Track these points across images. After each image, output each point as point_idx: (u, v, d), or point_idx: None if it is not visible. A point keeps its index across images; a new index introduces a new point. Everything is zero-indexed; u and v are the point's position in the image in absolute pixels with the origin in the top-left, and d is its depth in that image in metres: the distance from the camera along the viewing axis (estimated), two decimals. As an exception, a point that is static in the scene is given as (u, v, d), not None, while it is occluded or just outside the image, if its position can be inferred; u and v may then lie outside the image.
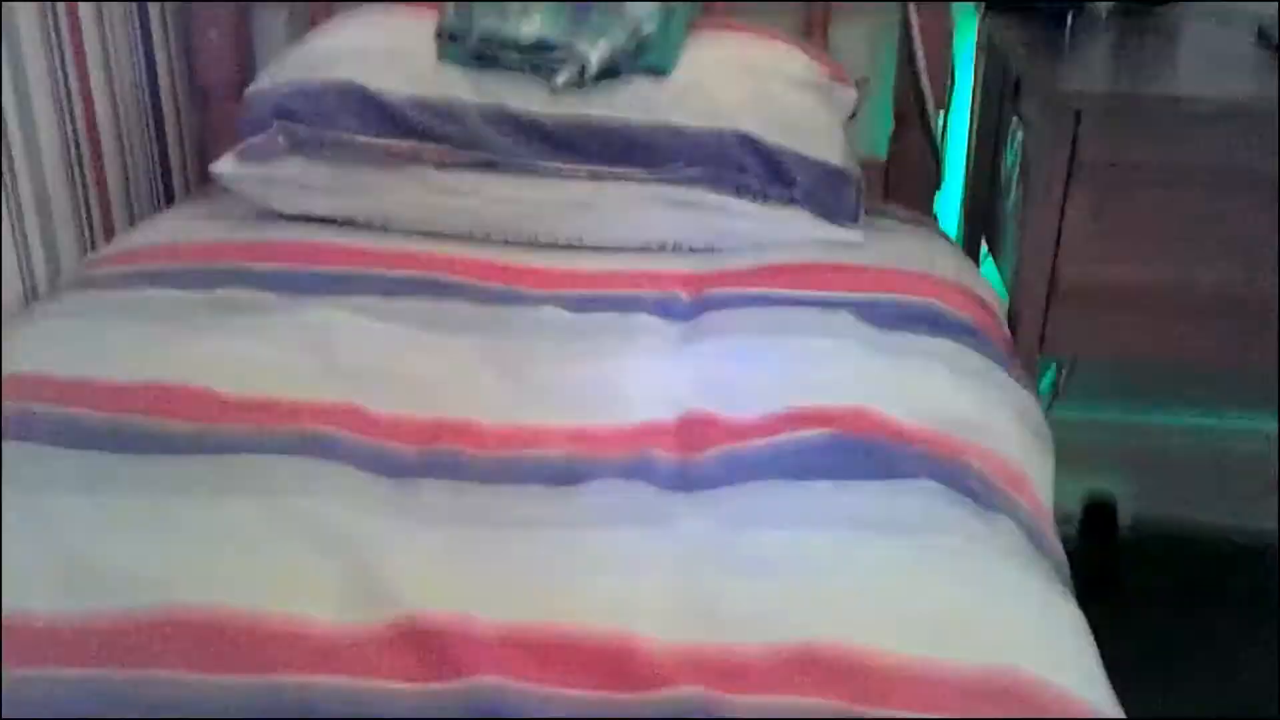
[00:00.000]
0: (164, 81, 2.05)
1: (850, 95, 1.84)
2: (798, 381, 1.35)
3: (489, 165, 1.71)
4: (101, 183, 1.89)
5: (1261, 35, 1.78)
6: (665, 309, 1.55)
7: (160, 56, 2.03)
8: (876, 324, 1.49)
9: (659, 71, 1.74)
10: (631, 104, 1.71)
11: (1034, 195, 1.64)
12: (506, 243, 1.73)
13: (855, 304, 1.53)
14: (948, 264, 1.72)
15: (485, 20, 1.73)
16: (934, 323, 1.51)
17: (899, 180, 2.09)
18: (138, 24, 1.97)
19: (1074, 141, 1.57)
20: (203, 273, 1.58)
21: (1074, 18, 1.85)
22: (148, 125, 2.01)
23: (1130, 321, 1.68)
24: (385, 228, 1.74)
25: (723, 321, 1.50)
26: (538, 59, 1.72)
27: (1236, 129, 1.55)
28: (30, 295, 1.68)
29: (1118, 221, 1.62)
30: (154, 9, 2.00)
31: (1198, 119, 1.56)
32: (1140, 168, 1.59)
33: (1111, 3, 1.89)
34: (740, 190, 1.71)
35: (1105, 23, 1.87)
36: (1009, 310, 1.73)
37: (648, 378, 1.38)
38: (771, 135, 1.70)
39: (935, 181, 2.09)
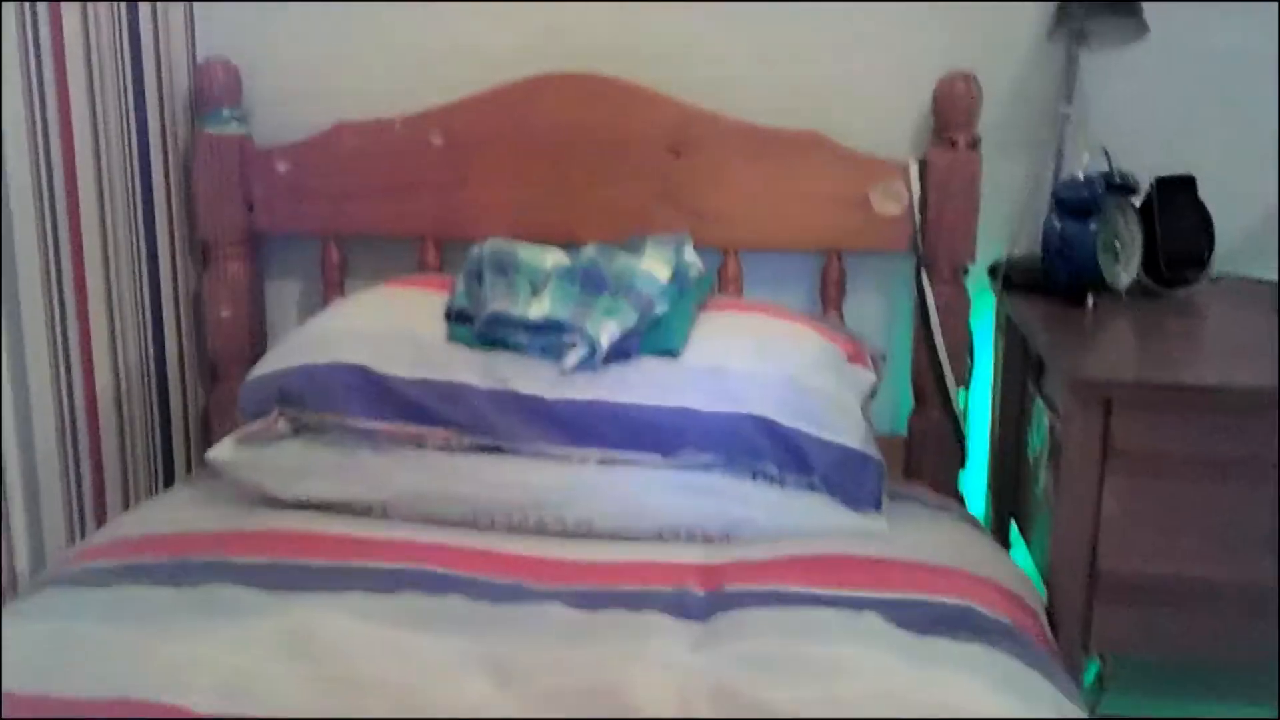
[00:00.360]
0: (171, 355, 2.02)
1: (869, 376, 1.79)
2: (821, 700, 1.24)
3: (495, 449, 1.65)
4: (97, 464, 1.83)
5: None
6: (679, 606, 1.45)
7: (169, 330, 2.01)
8: (907, 628, 1.38)
9: (671, 353, 1.70)
10: (643, 386, 1.66)
11: (1067, 485, 1.56)
12: (511, 529, 1.65)
13: (883, 604, 1.43)
14: (980, 556, 1.62)
15: (494, 301, 1.71)
16: (969, 626, 1.40)
17: (921, 458, 2.02)
18: (147, 297, 1.96)
19: (1106, 431, 1.50)
20: (188, 567, 1.50)
21: (1093, 298, 1.81)
22: (151, 402, 1.98)
23: (1174, 617, 1.56)
24: (385, 513, 1.66)
25: (740, 625, 1.39)
26: (547, 340, 1.68)
27: (1269, 418, 1.48)
28: (10, 589, 1.59)
29: (1154, 512, 1.53)
30: (165, 282, 2.00)
31: (1230, 408, 1.49)
32: (1174, 457, 1.52)
33: (1130, 282, 1.86)
34: (756, 476, 1.64)
35: (1125, 302, 1.84)
36: (1047, 604, 1.62)
37: (659, 692, 1.27)
38: (788, 418, 1.64)
39: (959, 461, 2.02)
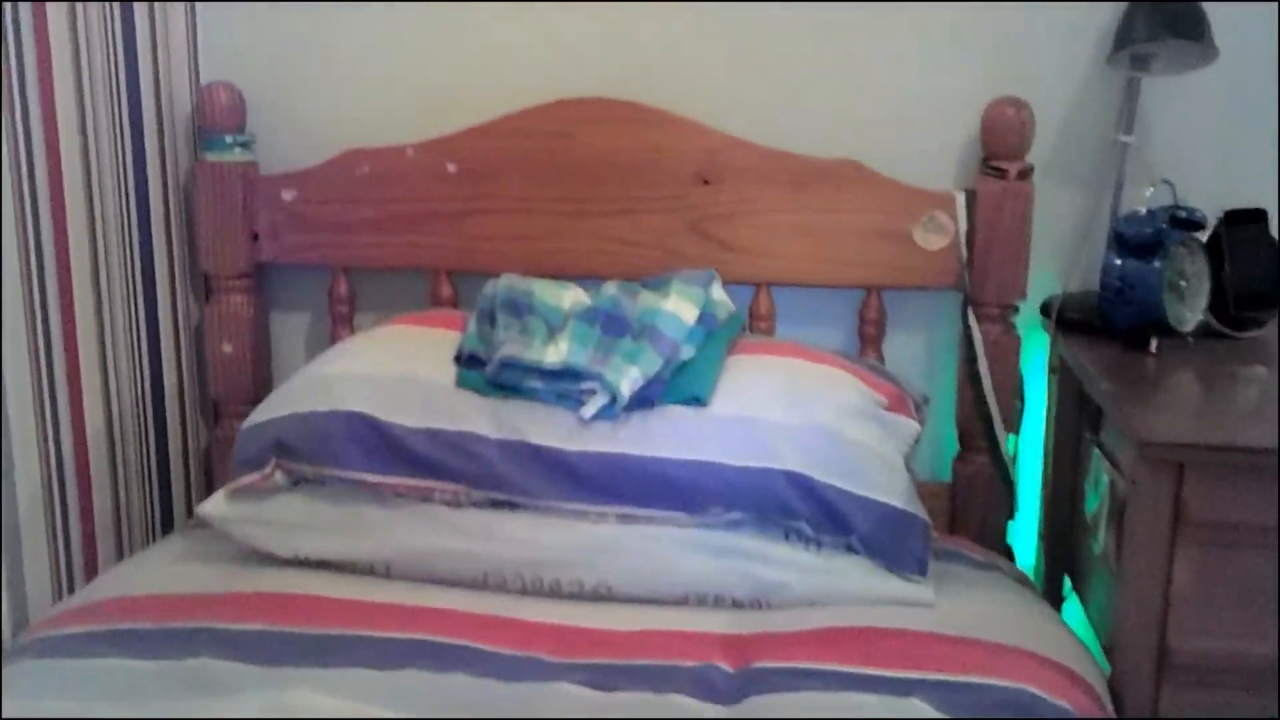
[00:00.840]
0: (170, 393, 1.91)
1: (912, 426, 1.66)
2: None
3: (507, 505, 1.53)
4: (87, 513, 1.72)
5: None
6: (705, 687, 1.32)
7: (168, 366, 1.90)
8: (957, 715, 1.25)
9: (697, 401, 1.57)
10: (667, 438, 1.53)
11: (1134, 555, 1.42)
12: (524, 592, 1.53)
13: (929, 687, 1.30)
14: (1035, 627, 1.49)
15: (508, 345, 1.59)
16: (1026, 713, 1.27)
17: (966, 507, 1.89)
18: (144, 333, 1.85)
19: (1177, 497, 1.37)
20: (173, 635, 1.38)
21: (1159, 345, 1.68)
22: (147, 444, 1.87)
23: (1251, 701, 1.42)
24: (389, 573, 1.55)
25: (770, 711, 1.26)
26: (564, 387, 1.56)
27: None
28: (-16, 653, 1.48)
29: (1230, 587, 1.39)
30: (164, 316, 1.89)
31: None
32: (1252, 527, 1.38)
33: (1196, 324, 1.72)
34: (789, 536, 1.51)
35: (1190, 346, 1.70)
36: (1110, 679, 1.48)
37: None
38: (824, 474, 1.51)
39: (1008, 511, 1.88)
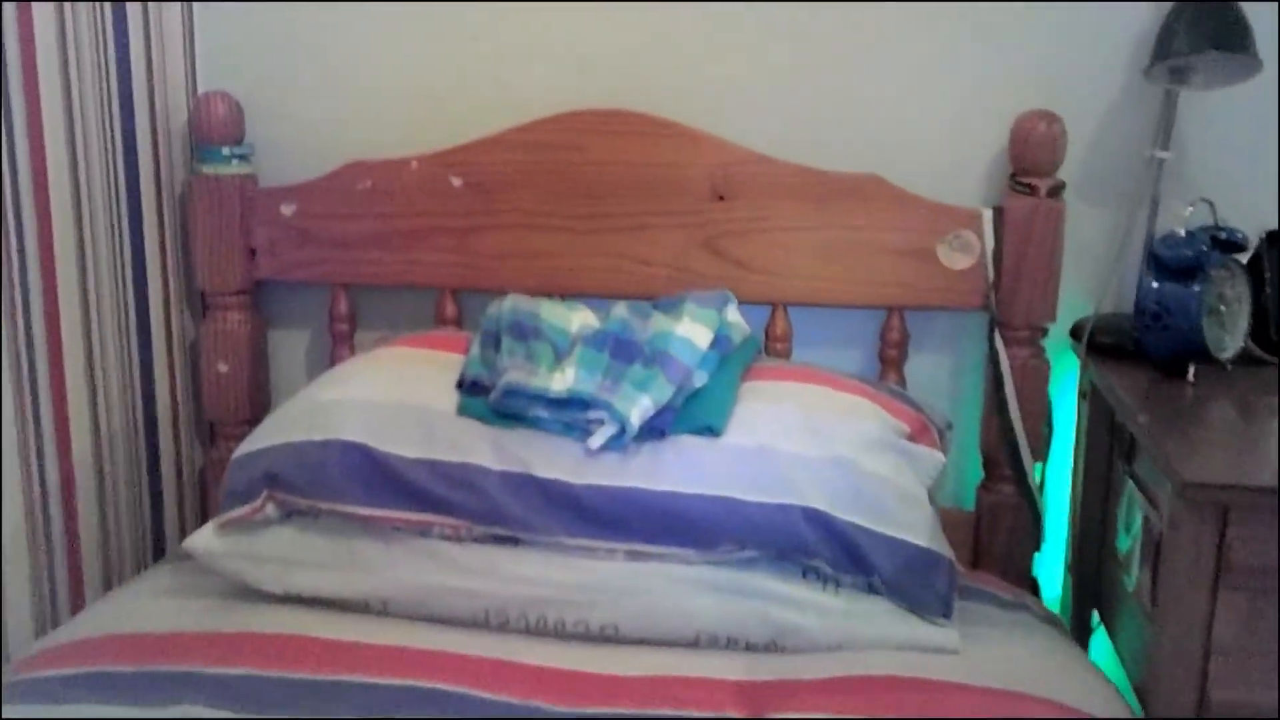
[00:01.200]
0: (163, 415, 1.85)
1: (936, 457, 1.58)
2: None
3: (510, 540, 1.46)
4: (73, 542, 1.65)
5: None
6: (716, 740, 1.25)
7: (161, 386, 1.84)
8: (984, 778, 1.17)
9: (711, 431, 1.49)
10: (678, 471, 1.45)
11: (1173, 602, 1.34)
12: (527, 632, 1.45)
13: (953, 744, 1.22)
14: (1065, 673, 1.40)
15: (512, 371, 1.51)
16: (1058, 776, 1.19)
17: (991, 537, 1.81)
18: (135, 351, 1.78)
19: (1220, 542, 1.28)
20: (155, 678, 1.31)
21: (1197, 372, 1.59)
22: (139, 467, 1.80)
23: (1297, 754, 1.34)
24: (385, 610, 1.47)
25: (787, 772, 1.19)
26: (571, 416, 1.48)
27: None
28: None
29: (1274, 635, 1.31)
30: (156, 334, 1.82)
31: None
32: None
33: (1236, 351, 1.64)
34: (807, 576, 1.44)
35: (1229, 374, 1.62)
36: (1144, 728, 1.40)
37: None
38: (844, 510, 1.43)
39: (1034, 542, 1.80)
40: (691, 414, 1.50)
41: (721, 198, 1.78)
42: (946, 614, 1.44)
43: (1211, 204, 1.67)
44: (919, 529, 1.46)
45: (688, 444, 1.48)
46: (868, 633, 1.42)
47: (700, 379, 1.53)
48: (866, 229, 1.76)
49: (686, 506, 1.44)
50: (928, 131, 1.81)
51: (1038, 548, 1.81)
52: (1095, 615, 1.79)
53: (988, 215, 1.74)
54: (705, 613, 1.43)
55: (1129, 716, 1.38)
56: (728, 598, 1.43)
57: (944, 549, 1.47)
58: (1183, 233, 1.62)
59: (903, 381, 1.81)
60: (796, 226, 1.78)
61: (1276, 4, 1.72)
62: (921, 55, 1.79)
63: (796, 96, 1.82)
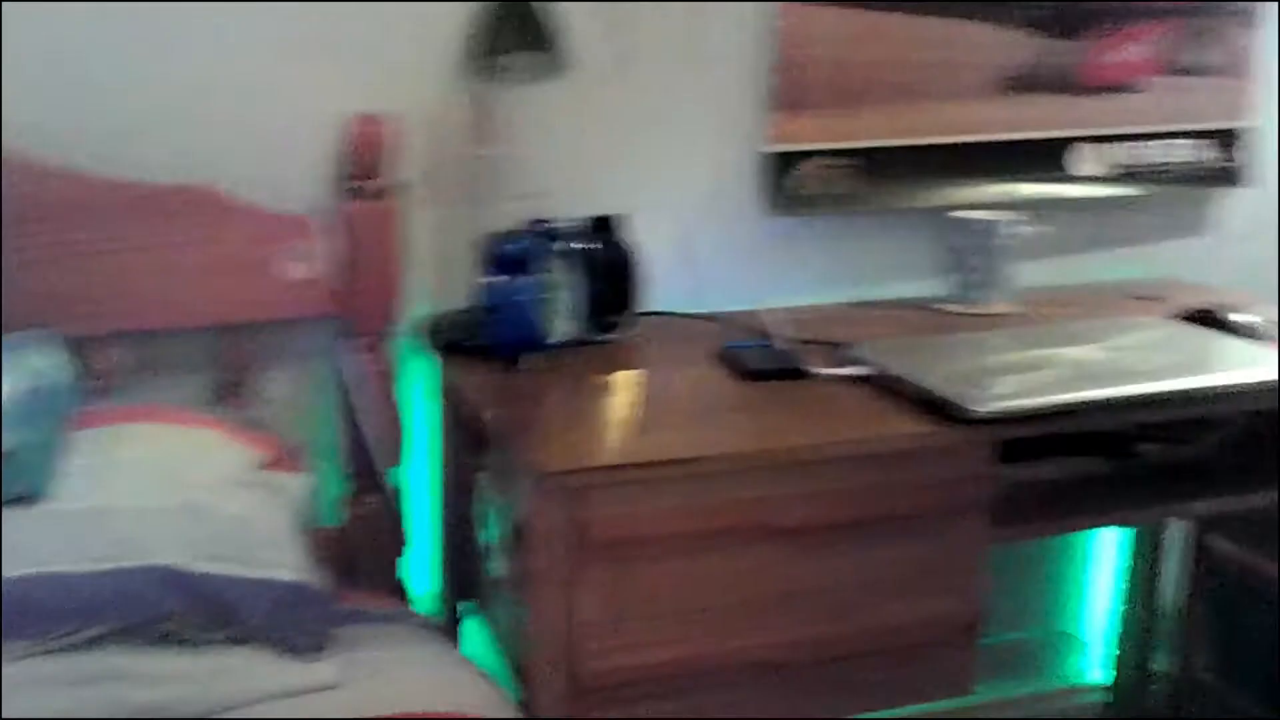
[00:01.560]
0: None
1: (298, 482, 1.50)
2: None
3: None
4: None
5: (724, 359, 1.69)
6: None
7: None
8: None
9: (30, 497, 1.29)
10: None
11: (537, 582, 1.38)
12: None
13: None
14: (443, 683, 1.39)
15: None
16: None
17: (362, 551, 1.77)
18: None
19: (577, 522, 1.34)
20: None
21: (529, 360, 1.65)
22: None
23: (668, 708, 1.44)
24: None
25: None
26: None
27: (748, 481, 1.40)
28: None
29: (637, 601, 1.40)
30: None
31: (703, 475, 1.38)
32: (653, 539, 1.39)
33: (570, 335, 1.72)
34: (165, 642, 1.29)
35: (563, 358, 1.69)
36: (526, 706, 1.43)
37: None
38: (202, 561, 1.31)
39: (397, 547, 1.79)
40: (5, 481, 1.29)
41: (23, 222, 1.55)
42: (320, 648, 1.37)
43: (544, 196, 1.73)
44: (286, 565, 1.37)
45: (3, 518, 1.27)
46: (240, 690, 1.31)
47: (10, 438, 1.32)
48: (199, 244, 1.62)
49: (7, 593, 1.23)
50: (259, 139, 1.70)
51: (400, 552, 1.80)
52: (468, 607, 1.82)
53: (322, 221, 1.67)
54: (57, 711, 1.24)
55: (503, 709, 1.40)
56: (80, 689, 1.24)
57: (315, 579, 1.40)
58: (514, 226, 1.66)
59: (256, 405, 1.70)
60: (117, 247, 1.59)
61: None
62: (246, 62, 1.68)
63: (108, 104, 1.63)
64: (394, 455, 1.75)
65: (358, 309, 1.69)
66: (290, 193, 1.70)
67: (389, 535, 1.77)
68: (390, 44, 1.74)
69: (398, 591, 1.78)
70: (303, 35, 1.70)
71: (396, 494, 1.77)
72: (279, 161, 1.71)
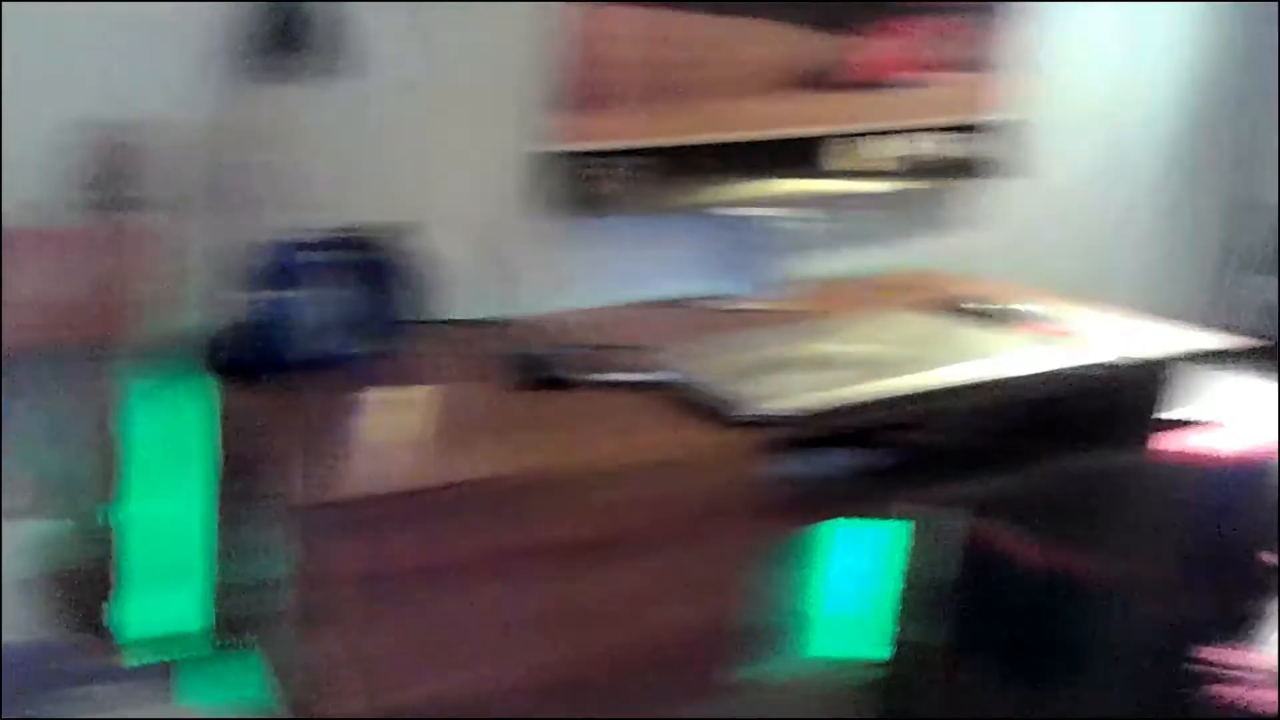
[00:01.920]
0: None
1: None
2: None
3: None
4: None
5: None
6: None
7: None
8: None
9: None
10: None
11: (312, 613, 1.30)
12: None
13: None
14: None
15: None
16: None
17: (66, 595, 1.61)
18: None
19: (352, 553, 1.27)
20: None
21: (299, 379, 1.55)
22: None
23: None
24: None
25: None
26: None
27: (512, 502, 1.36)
28: None
29: (412, 632, 1.34)
30: None
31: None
32: (427, 570, 1.33)
33: (335, 347, 1.63)
34: None
35: (335, 374, 1.60)
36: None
37: None
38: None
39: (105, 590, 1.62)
40: None
41: None
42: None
43: (322, 205, 1.62)
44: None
45: None
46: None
47: None
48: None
49: None
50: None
51: (108, 597, 1.64)
52: (245, 642, 1.70)
53: (60, 238, 1.54)
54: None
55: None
56: None
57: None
58: (287, 238, 1.56)
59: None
60: None
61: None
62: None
63: None
64: (106, 490, 1.60)
65: (85, 333, 1.54)
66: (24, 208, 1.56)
67: (94, 578, 1.63)
68: (148, 50, 1.59)
69: (106, 639, 1.62)
70: (44, 44, 1.56)
71: (109, 533, 1.63)
72: (11, 174, 1.57)
